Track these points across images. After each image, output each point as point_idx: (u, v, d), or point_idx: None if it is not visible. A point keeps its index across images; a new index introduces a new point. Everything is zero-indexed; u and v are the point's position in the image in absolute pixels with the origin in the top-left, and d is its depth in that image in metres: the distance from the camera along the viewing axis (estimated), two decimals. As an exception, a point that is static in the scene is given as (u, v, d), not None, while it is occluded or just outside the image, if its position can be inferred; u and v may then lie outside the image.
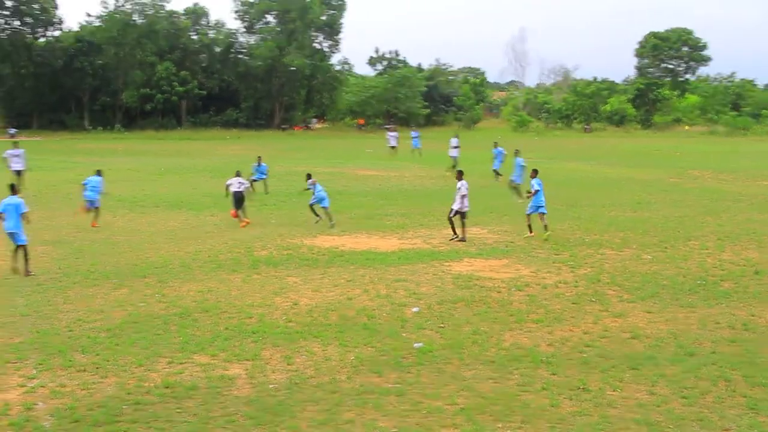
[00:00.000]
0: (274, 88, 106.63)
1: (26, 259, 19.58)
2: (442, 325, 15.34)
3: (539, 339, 14.55)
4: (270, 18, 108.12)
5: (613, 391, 12.01)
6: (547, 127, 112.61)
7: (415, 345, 14.00)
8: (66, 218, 28.59)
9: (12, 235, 19.56)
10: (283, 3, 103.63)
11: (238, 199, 28.06)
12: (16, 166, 35.04)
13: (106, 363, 12.99)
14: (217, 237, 24.99)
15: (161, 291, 17.92)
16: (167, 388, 11.95)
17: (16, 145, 35.63)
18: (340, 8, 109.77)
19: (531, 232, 25.30)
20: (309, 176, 29.05)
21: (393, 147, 60.82)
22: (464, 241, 24.36)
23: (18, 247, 19.57)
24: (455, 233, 24.66)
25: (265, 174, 37.66)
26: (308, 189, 28.67)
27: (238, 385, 12.15)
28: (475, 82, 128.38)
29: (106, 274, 19.58)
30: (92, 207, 27.86)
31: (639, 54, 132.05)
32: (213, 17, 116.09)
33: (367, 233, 25.98)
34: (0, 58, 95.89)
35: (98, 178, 28.26)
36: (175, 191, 36.94)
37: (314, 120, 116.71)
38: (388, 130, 72.08)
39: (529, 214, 25.72)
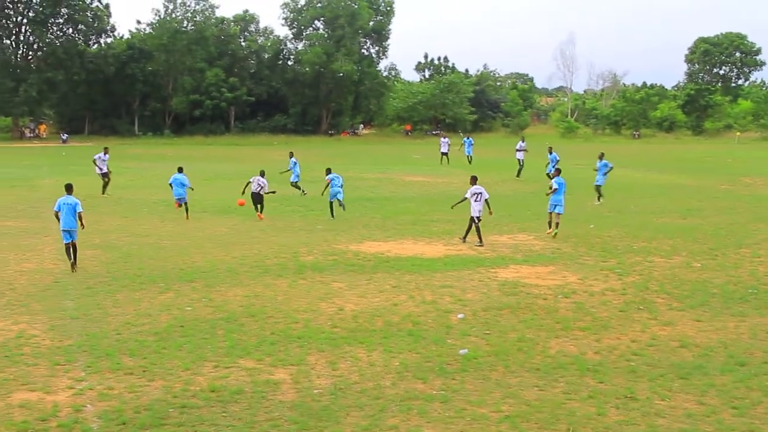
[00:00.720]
0: (321, 94, 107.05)
1: (75, 255, 20.59)
2: (487, 332, 15.26)
3: (586, 347, 14.40)
4: (318, 24, 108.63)
5: (662, 400, 11.85)
6: (596, 134, 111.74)
7: (461, 351, 13.93)
8: (115, 222, 28.94)
9: (68, 233, 20.49)
10: (332, 10, 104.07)
11: (256, 200, 30.37)
12: (103, 168, 38.09)
13: (153, 366, 13.11)
14: (264, 242, 25.11)
15: (208, 295, 18.04)
16: (213, 392, 12.02)
17: (106, 151, 38.78)
18: (388, 14, 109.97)
19: (550, 228, 26.67)
20: (328, 171, 31.11)
21: (444, 153, 60.60)
22: (464, 242, 24.95)
23: (69, 243, 20.53)
24: (480, 239, 24.82)
25: (296, 169, 38.89)
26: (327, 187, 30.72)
27: (283, 390, 12.17)
28: (523, 88, 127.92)
29: (153, 278, 19.76)
30: (182, 203, 30.62)
31: (689, 60, 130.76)
32: (262, 24, 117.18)
33: (414, 239, 25.93)
34: (54, 65, 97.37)
35: (182, 176, 30.97)
36: (223, 196, 37.16)
37: (361, 126, 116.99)
38: (440, 136, 71.77)
39: (549, 212, 26.95)
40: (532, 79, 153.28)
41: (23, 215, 30.45)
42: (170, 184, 31.15)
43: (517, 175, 46.69)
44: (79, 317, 16.13)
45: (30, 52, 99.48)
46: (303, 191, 37.62)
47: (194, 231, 27.29)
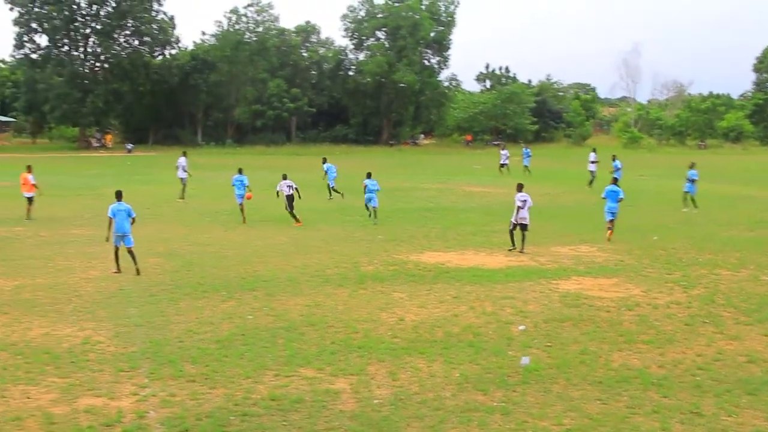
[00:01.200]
0: (382, 104, 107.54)
1: (134, 260, 21.39)
2: (549, 344, 15.09)
3: (650, 360, 14.15)
4: (380, 35, 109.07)
5: (728, 416, 11.58)
6: (660, 144, 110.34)
7: (522, 362, 13.78)
8: (178, 231, 29.30)
9: (123, 238, 21.39)
10: (394, 20, 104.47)
11: (290, 201, 31.81)
12: (183, 174, 41.51)
13: (214, 374, 13.20)
14: (324, 252, 25.20)
15: (269, 304, 18.13)
16: (273, 400, 12.05)
17: (184, 154, 42.43)
18: (450, 25, 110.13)
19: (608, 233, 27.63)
20: (368, 175, 33.40)
21: (504, 164, 60.43)
22: (522, 252, 24.98)
23: (128, 249, 21.44)
24: (513, 244, 25.53)
25: (331, 173, 41.86)
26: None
27: (342, 400, 12.17)
28: (586, 98, 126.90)
29: (215, 286, 19.94)
30: (241, 202, 33.04)
31: (757, 69, 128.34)
32: (323, 35, 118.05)
33: (474, 250, 25.81)
34: (120, 76, 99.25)
35: (242, 176, 33.53)
36: (284, 206, 37.39)
37: (421, 136, 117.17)
38: (500, 148, 71.86)
39: (608, 220, 27.87)
40: (594, 89, 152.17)
41: (89, 223, 30.96)
42: (233, 185, 33.48)
43: (589, 185, 46.76)
44: (143, 324, 16.33)
45: (97, 64, 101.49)
46: (331, 196, 40.98)
47: (255, 240, 27.50)
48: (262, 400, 12.08)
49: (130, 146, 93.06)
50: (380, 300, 18.58)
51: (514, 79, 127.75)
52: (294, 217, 31.49)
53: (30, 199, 32.93)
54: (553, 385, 12.82)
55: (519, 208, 25.46)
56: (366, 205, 32.92)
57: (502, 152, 62.42)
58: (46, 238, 27.73)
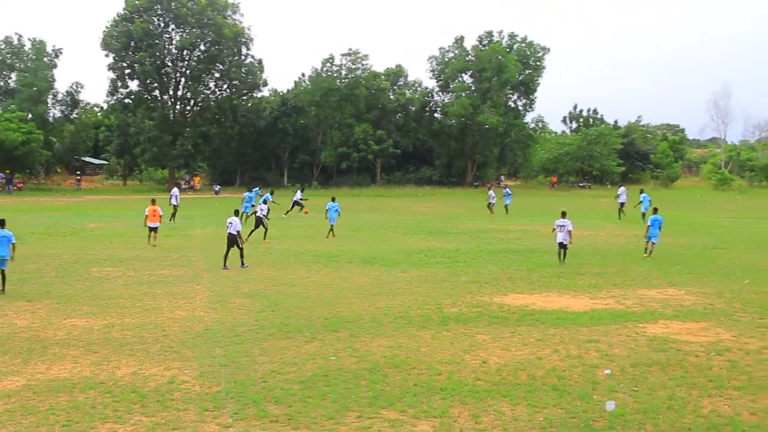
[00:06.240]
0: (467, 145, 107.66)
1: (4, 280, 24.65)
2: (635, 389, 14.78)
3: (741, 407, 13.74)
4: (465, 77, 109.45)
5: (825, 467, 11.17)
6: (751, 186, 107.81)
7: (607, 407, 13.52)
8: (263, 272, 29.61)
9: (2, 261, 24.52)
10: (479, 62, 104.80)
11: (258, 222, 40.25)
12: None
13: (297, 415, 13.25)
14: (408, 293, 25.18)
15: (352, 345, 18.16)
16: (355, 441, 12.05)
17: (178, 186, 45.40)
18: (538, 69, 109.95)
19: (646, 253, 33.90)
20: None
21: (491, 204, 63.05)
22: (562, 263, 31.15)
23: (1, 270, 24.59)
24: (559, 260, 31.48)
25: (252, 201, 49.68)
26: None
27: (424, 442, 12.09)
28: (674, 139, 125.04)
29: (299, 327, 20.06)
30: (332, 224, 41.91)
31: None
32: (410, 77, 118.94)
33: (559, 292, 25.51)
34: (208, 119, 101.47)
35: (334, 204, 42.40)
36: (368, 247, 37.60)
37: (501, 177, 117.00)
38: (488, 187, 73.76)
39: (647, 241, 34.20)
40: (683, 130, 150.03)
41: (176, 264, 31.55)
42: (327, 210, 42.26)
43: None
44: (228, 364, 16.51)
45: (187, 107, 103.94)
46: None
47: (339, 281, 27.63)
48: (344, 441, 12.07)
49: (217, 188, 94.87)
50: (463, 342, 18.47)
51: (602, 120, 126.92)
52: (254, 233, 39.44)
53: (155, 229, 38.38)
54: (640, 431, 12.55)
55: (555, 231, 31.62)
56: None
57: (490, 192, 65.15)
58: (133, 277, 28.32)
